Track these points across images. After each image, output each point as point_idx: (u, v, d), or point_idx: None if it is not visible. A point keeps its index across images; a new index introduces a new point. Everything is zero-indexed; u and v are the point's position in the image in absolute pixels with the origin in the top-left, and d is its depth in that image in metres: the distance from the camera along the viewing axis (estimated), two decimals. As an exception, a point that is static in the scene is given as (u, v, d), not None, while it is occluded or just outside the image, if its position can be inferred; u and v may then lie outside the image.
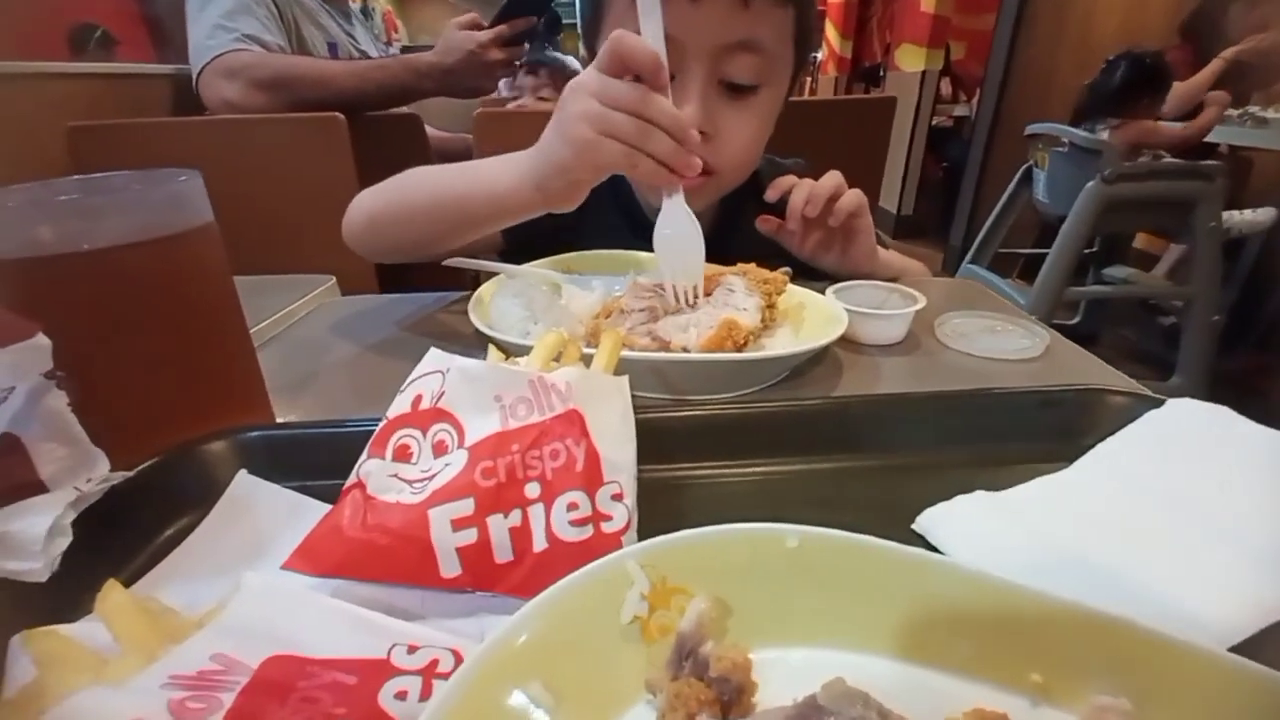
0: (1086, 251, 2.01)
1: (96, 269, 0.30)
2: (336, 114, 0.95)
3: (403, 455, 0.27)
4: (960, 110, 3.99)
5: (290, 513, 0.29)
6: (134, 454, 0.31)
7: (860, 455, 0.33)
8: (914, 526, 0.28)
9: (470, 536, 0.24)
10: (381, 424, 0.28)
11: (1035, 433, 0.34)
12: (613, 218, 0.66)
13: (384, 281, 1.01)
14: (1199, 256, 1.82)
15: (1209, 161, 1.83)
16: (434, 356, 0.30)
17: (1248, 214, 1.93)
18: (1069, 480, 0.29)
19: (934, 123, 3.81)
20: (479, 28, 1.09)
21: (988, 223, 2.31)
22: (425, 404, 0.28)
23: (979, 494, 0.29)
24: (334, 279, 0.68)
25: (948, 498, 0.30)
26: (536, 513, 0.25)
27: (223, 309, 0.35)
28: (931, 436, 0.34)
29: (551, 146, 0.42)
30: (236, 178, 0.98)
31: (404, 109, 1.20)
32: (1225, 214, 1.77)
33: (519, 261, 0.68)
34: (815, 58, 6.60)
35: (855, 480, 0.32)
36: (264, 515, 0.29)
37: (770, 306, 0.48)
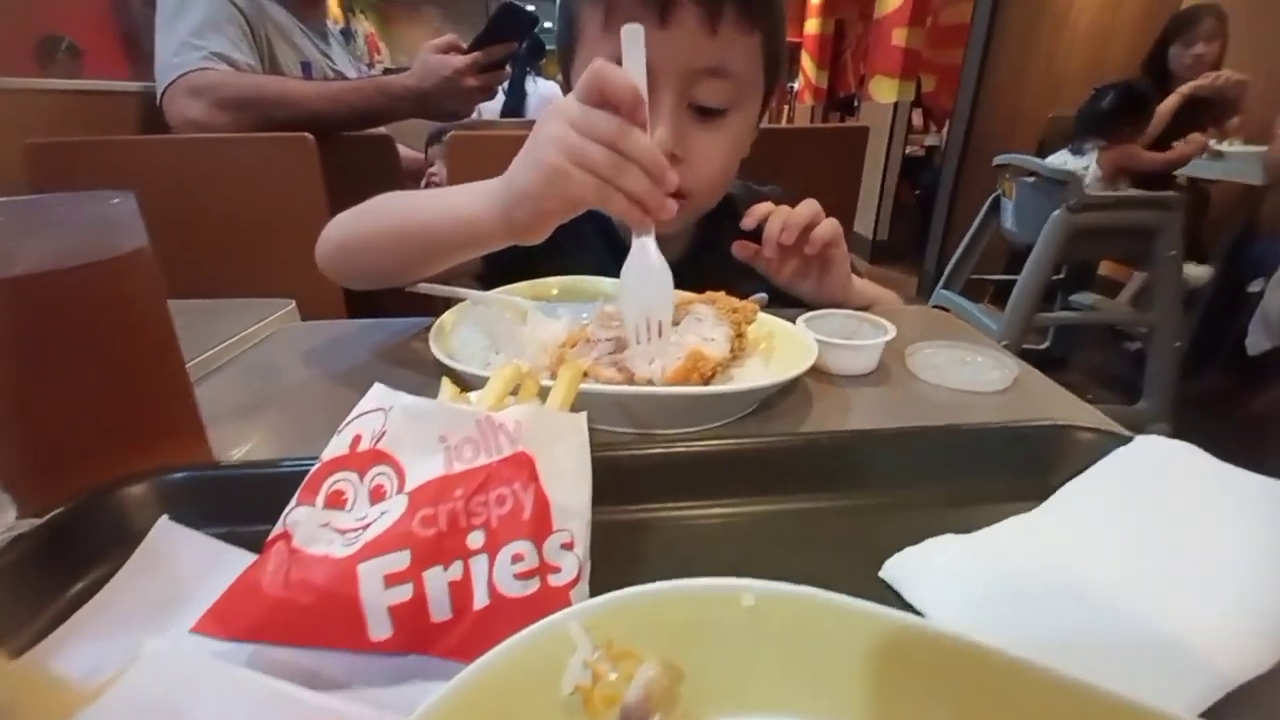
0: (1054, 278, 2.06)
1: (11, 297, 0.28)
2: (305, 134, 0.93)
3: (336, 502, 0.25)
4: (931, 140, 4.12)
5: (214, 564, 0.27)
6: (51, 499, 0.28)
7: (828, 494, 0.32)
8: (881, 574, 0.27)
9: (404, 593, 0.22)
10: (315, 467, 0.26)
11: (1005, 470, 0.33)
12: (591, 242, 0.65)
13: (353, 305, 0.98)
14: (1160, 284, 1.87)
15: (1169, 192, 1.89)
16: (378, 393, 0.28)
17: (1192, 268, 2.04)
18: (1038, 523, 0.28)
19: (906, 151, 3.92)
20: (457, 49, 1.08)
21: (959, 250, 2.36)
22: (364, 444, 0.26)
23: (947, 538, 0.28)
24: (293, 303, 0.66)
25: (916, 539, 0.28)
26: (479, 565, 0.23)
27: (155, 339, 0.33)
28: (900, 474, 0.33)
29: (522, 173, 0.40)
30: (202, 198, 0.96)
31: (377, 129, 1.18)
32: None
33: (496, 285, 0.67)
34: (792, 87, 6.79)
35: (822, 521, 0.31)
36: (184, 567, 0.27)
37: (740, 335, 0.47)
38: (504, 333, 0.45)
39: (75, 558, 0.28)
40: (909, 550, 0.27)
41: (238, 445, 0.40)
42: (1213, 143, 2.19)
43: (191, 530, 0.28)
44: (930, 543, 0.27)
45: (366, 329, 0.60)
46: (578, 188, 0.37)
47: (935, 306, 2.35)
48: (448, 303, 0.56)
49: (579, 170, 0.37)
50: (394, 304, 0.64)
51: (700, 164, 0.54)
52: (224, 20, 1.07)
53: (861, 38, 5.50)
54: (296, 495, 0.25)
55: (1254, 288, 1.92)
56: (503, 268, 0.61)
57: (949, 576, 0.26)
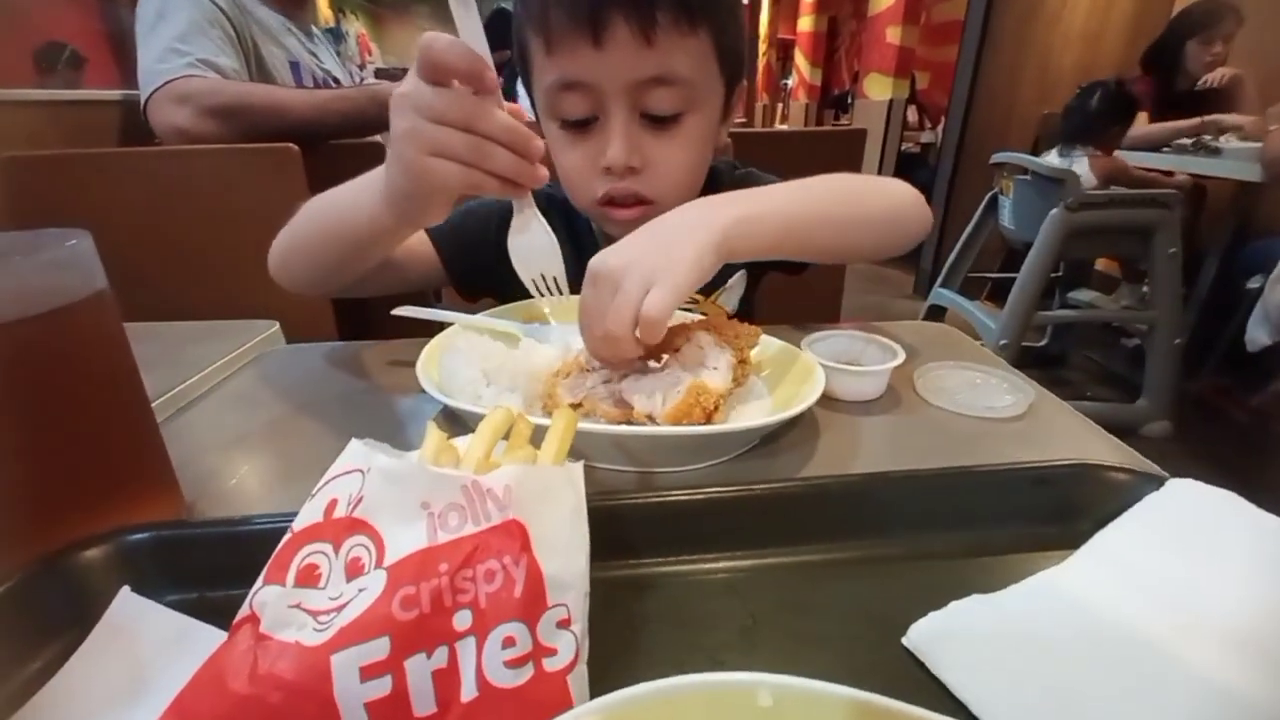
0: (1052, 275, 2.04)
1: (-45, 351, 0.25)
2: (290, 145, 0.90)
3: (308, 578, 0.23)
4: (926, 137, 4.10)
5: (179, 642, 0.25)
6: (2, 568, 0.26)
7: (840, 544, 0.30)
8: (905, 641, 0.25)
9: (383, 687, 0.20)
10: (285, 539, 0.24)
11: (1028, 514, 0.31)
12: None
13: (342, 322, 0.96)
14: (1159, 282, 1.86)
15: (1166, 190, 1.88)
16: (354, 451, 0.26)
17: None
18: (1069, 581, 0.27)
19: (902, 148, 3.91)
20: None
21: (956, 248, 2.35)
22: (340, 510, 0.24)
23: (973, 600, 0.26)
24: (277, 325, 0.64)
25: (938, 596, 0.27)
26: (466, 650, 0.21)
27: (117, 387, 0.30)
28: (917, 520, 0.31)
29: (391, 170, 0.40)
30: (183, 213, 0.93)
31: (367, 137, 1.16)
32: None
33: (471, 290, 0.65)
34: (786, 84, 6.78)
35: (835, 575, 0.29)
36: (147, 647, 0.25)
37: (743, 362, 0.45)
38: (494, 364, 0.43)
39: (28, 635, 0.25)
40: (933, 616, 0.25)
41: (216, 485, 0.38)
42: (1209, 139, 2.18)
43: (154, 604, 0.26)
44: (955, 607, 0.25)
45: (351, 351, 0.58)
46: (443, 178, 0.37)
47: (933, 305, 2.35)
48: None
49: (439, 161, 0.36)
50: (383, 319, 0.62)
51: (661, 172, 0.53)
52: (208, 24, 1.05)
53: (855, 35, 5.48)
54: (264, 572, 0.23)
55: (1253, 284, 1.91)
56: (471, 272, 0.62)
57: (978, 648, 0.24)
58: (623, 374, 0.42)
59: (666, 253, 0.38)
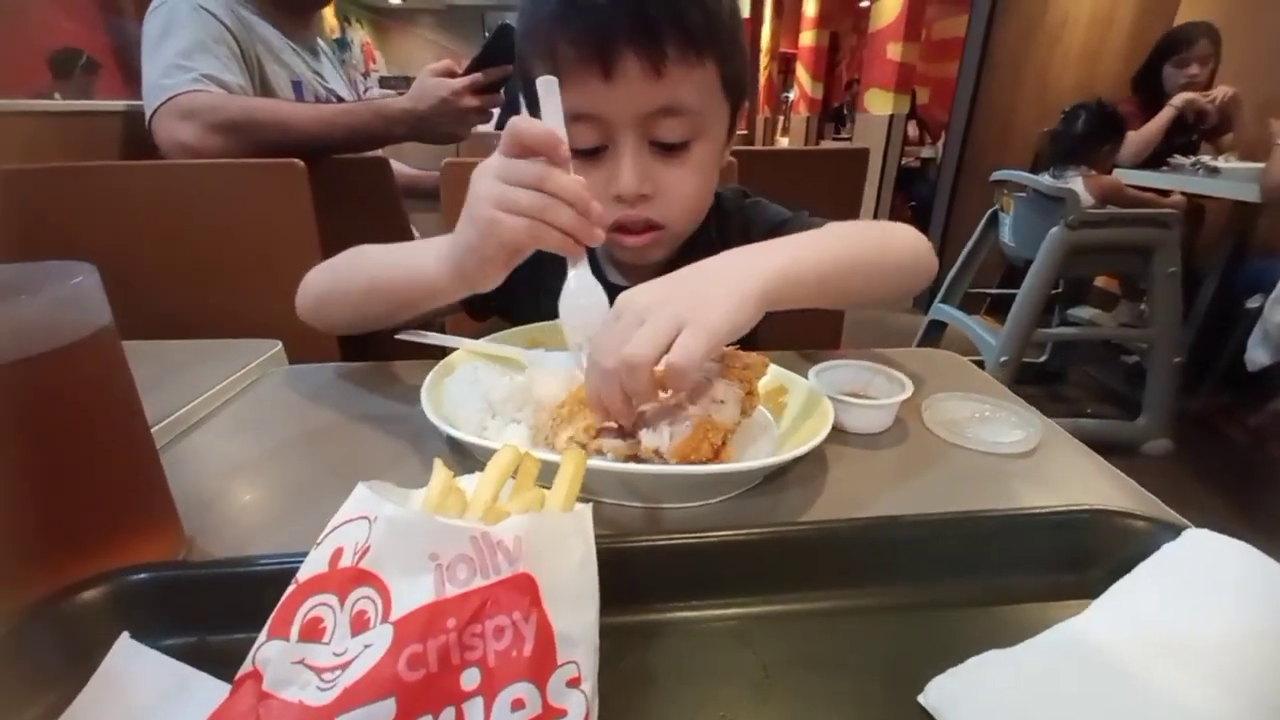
0: (1052, 292, 2.05)
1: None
2: (295, 160, 0.90)
3: (313, 632, 0.22)
4: (926, 152, 4.13)
5: (178, 694, 0.24)
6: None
7: (852, 591, 0.30)
8: (922, 700, 0.24)
9: (389, 752, 0.20)
10: (290, 589, 0.23)
11: (1042, 560, 0.31)
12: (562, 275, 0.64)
13: (345, 342, 0.95)
14: (1158, 301, 1.87)
15: (1166, 209, 1.89)
16: (361, 498, 0.25)
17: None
18: (1087, 638, 0.26)
19: (902, 163, 3.93)
20: (453, 75, 1.07)
21: (957, 264, 2.35)
22: (346, 560, 0.24)
23: (990, 656, 0.25)
24: (280, 345, 0.63)
25: (952, 648, 0.26)
26: (474, 712, 0.21)
27: (119, 424, 0.30)
28: (930, 567, 0.30)
29: (462, 229, 0.43)
30: (185, 228, 0.93)
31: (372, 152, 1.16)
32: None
33: (480, 310, 0.65)
34: (788, 98, 6.83)
35: (848, 625, 0.28)
36: (146, 697, 0.24)
37: (750, 393, 0.44)
38: (500, 395, 0.43)
39: (23, 684, 0.25)
40: (951, 673, 0.24)
41: (217, 517, 0.38)
42: (1207, 158, 2.19)
43: (154, 652, 0.25)
44: (973, 663, 0.25)
45: (355, 374, 0.58)
46: (511, 232, 0.39)
47: (933, 320, 2.35)
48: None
49: (509, 216, 0.39)
50: (385, 338, 0.62)
51: (671, 198, 0.54)
52: (213, 41, 1.05)
53: (855, 50, 5.53)
54: (268, 626, 0.22)
55: (1252, 303, 1.91)
56: (485, 295, 0.61)
57: (996, 709, 0.23)
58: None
59: (704, 296, 0.37)
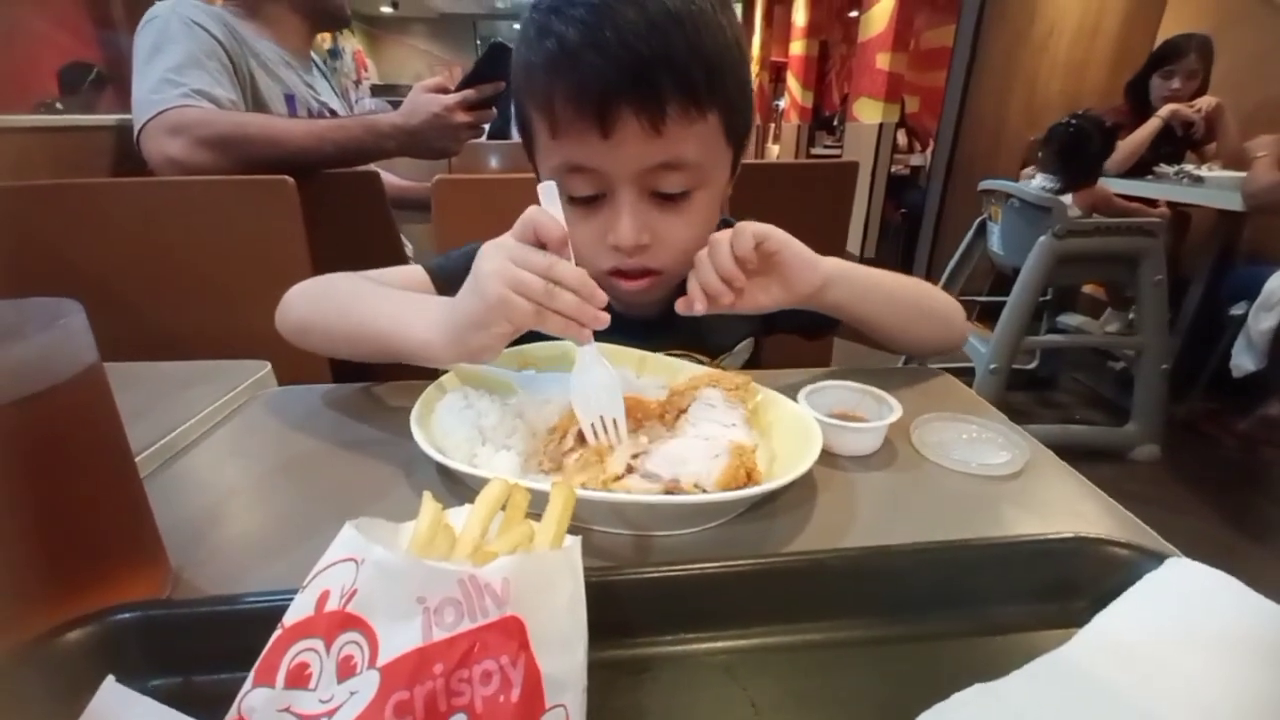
0: (1041, 299, 2.07)
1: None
2: (285, 178, 0.90)
3: (299, 679, 0.22)
4: (916, 160, 4.17)
5: (163, 740, 0.24)
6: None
7: (840, 623, 0.30)
8: (907, 736, 0.24)
9: (375, 803, 0.20)
10: (276, 635, 0.23)
11: (1026, 589, 0.31)
12: None
13: (335, 359, 0.95)
14: (1145, 309, 1.89)
15: (1152, 219, 1.92)
16: (348, 539, 0.25)
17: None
18: (1069, 669, 0.26)
19: (891, 170, 3.96)
20: (445, 91, 1.07)
21: (946, 272, 2.37)
22: (333, 603, 0.24)
23: (975, 691, 0.25)
24: (268, 366, 0.63)
25: (938, 680, 0.26)
26: (461, 759, 0.21)
27: (105, 463, 0.30)
28: (916, 597, 0.31)
29: (469, 302, 0.43)
30: (174, 246, 0.92)
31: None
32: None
33: None
34: (779, 105, 6.88)
35: (837, 660, 0.29)
36: (130, 744, 0.24)
37: (752, 412, 0.45)
38: (490, 421, 0.43)
39: (5, 731, 0.24)
40: (939, 708, 0.25)
41: (203, 550, 0.37)
42: (1191, 167, 2.23)
43: (140, 696, 0.25)
44: (957, 699, 0.25)
45: (344, 396, 0.58)
46: (519, 313, 0.41)
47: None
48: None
49: (518, 297, 0.41)
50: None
51: (669, 245, 0.53)
52: (205, 55, 1.05)
53: (845, 59, 5.58)
54: (253, 673, 0.22)
55: (1237, 310, 1.94)
56: None
57: (982, 746, 0.23)
58: (641, 450, 0.41)
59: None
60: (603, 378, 0.44)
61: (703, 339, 0.63)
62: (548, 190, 0.43)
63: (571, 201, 0.52)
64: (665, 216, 0.52)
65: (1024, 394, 2.43)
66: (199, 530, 0.39)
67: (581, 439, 0.44)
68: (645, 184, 0.50)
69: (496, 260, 0.42)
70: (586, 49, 0.45)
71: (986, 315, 2.54)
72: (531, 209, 0.43)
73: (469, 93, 1.06)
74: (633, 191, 0.50)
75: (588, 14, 0.46)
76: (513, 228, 0.44)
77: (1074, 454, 0.44)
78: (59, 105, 1.20)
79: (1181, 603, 0.28)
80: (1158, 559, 0.30)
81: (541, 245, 0.43)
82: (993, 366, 1.92)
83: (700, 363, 0.54)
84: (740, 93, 0.52)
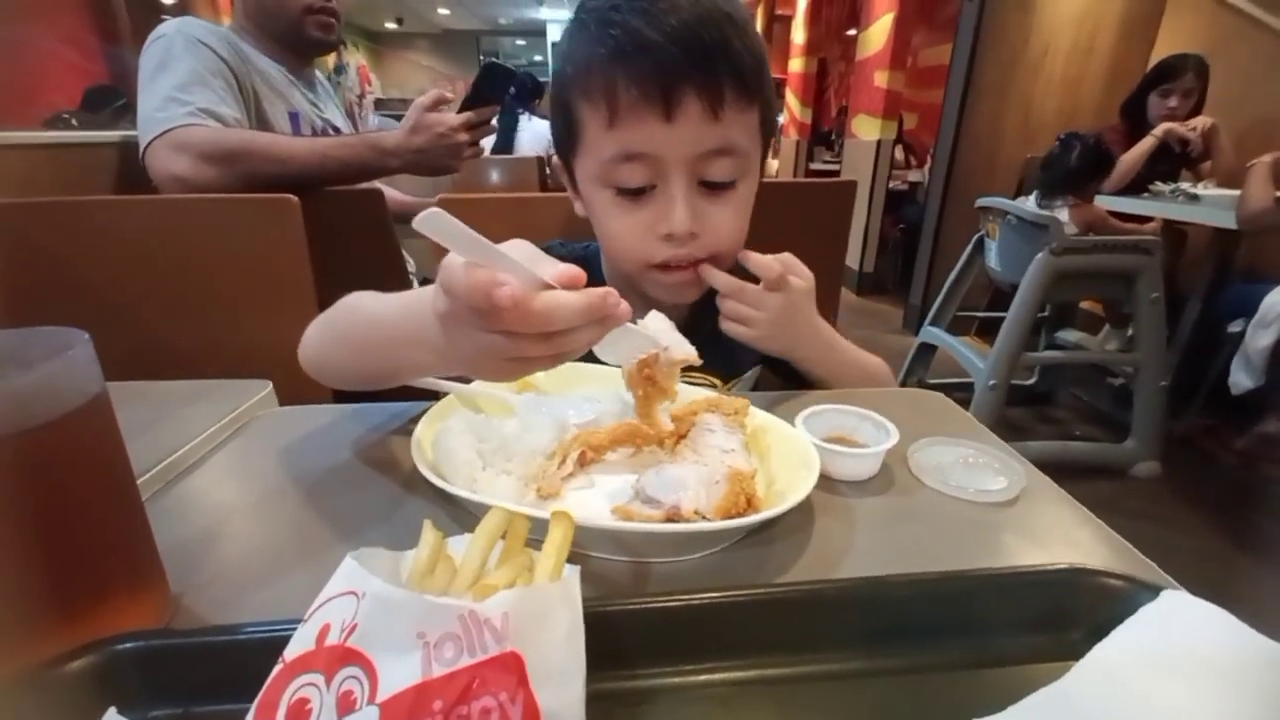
0: (1039, 315, 2.08)
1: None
2: (289, 196, 0.91)
3: (299, 715, 0.22)
4: (914, 176, 4.21)
5: (162, 774, 0.24)
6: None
7: (836, 655, 0.30)
8: (905, 773, 0.24)
9: (373, 843, 0.20)
10: (276, 670, 0.23)
11: (1021, 621, 0.31)
12: None
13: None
14: (1143, 327, 1.90)
15: (1148, 237, 1.93)
16: (349, 572, 0.25)
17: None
18: (1065, 703, 0.26)
19: (890, 186, 4.00)
20: (444, 102, 1.09)
21: (945, 287, 2.39)
22: (333, 637, 0.24)
23: (973, 726, 0.26)
24: (270, 386, 0.63)
25: (937, 716, 0.27)
26: (459, 798, 0.21)
27: (109, 491, 0.30)
28: (913, 630, 0.31)
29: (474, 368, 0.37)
30: (180, 261, 0.93)
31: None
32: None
33: None
34: (778, 122, 6.94)
35: (834, 693, 0.29)
36: (128, 778, 0.24)
37: (751, 435, 0.45)
38: (491, 445, 0.43)
39: (4, 764, 0.25)
40: (934, 745, 0.25)
41: (204, 575, 0.37)
42: (1187, 186, 2.25)
43: (139, 728, 0.25)
44: (955, 734, 0.25)
45: (346, 417, 0.58)
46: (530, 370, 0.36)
47: (923, 343, 2.37)
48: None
49: (524, 365, 0.34)
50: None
51: (719, 234, 0.57)
52: (209, 74, 1.06)
53: (844, 76, 5.64)
54: (254, 709, 0.22)
55: (1234, 328, 1.95)
56: None
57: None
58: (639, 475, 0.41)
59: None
60: (638, 330, 0.40)
61: (720, 358, 0.63)
62: (437, 222, 0.30)
63: (620, 194, 0.55)
64: (713, 205, 0.56)
65: (1023, 409, 2.43)
66: (200, 553, 0.39)
67: (580, 463, 0.44)
68: (697, 171, 0.54)
69: (492, 366, 0.34)
70: (654, 36, 0.49)
71: (985, 331, 2.55)
72: (457, 273, 0.31)
73: (470, 115, 1.08)
74: (685, 179, 0.53)
75: (650, 5, 0.50)
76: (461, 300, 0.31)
77: (1074, 471, 0.45)
78: (74, 120, 1.21)
79: (1176, 637, 0.28)
80: (1153, 591, 0.30)
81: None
82: (992, 383, 1.93)
83: (712, 386, 0.55)
84: (772, 92, 0.57)
